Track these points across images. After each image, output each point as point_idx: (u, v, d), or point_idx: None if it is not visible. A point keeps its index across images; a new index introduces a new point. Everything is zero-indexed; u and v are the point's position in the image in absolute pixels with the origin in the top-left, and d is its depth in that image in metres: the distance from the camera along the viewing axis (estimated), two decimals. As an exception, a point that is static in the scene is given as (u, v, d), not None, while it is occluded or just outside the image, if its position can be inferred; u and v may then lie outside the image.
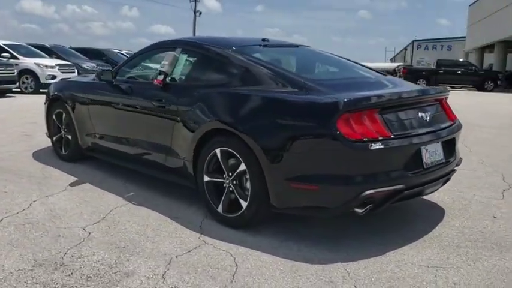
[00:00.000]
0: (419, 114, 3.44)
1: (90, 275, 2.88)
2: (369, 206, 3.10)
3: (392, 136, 3.12)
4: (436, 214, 4.02)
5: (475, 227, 3.72)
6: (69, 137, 5.52)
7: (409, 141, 3.21)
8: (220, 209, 3.66)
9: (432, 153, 3.40)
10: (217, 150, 3.61)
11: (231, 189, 3.60)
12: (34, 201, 4.23)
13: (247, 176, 3.41)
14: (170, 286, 2.76)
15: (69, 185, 4.78)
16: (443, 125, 3.56)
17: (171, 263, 3.05)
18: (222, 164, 3.61)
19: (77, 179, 4.99)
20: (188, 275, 2.88)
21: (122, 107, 4.63)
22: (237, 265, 3.03)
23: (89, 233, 3.53)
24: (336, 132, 3.00)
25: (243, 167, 3.43)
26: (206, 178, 3.76)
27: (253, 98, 3.46)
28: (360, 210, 3.09)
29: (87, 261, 3.07)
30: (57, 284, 2.78)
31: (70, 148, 5.55)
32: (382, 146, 3.03)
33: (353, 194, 3.05)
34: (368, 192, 3.03)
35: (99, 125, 5.02)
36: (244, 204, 3.47)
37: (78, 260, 3.08)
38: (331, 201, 3.12)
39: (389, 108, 3.23)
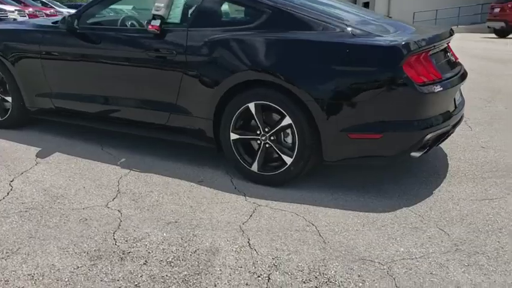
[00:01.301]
0: (446, 56, 3.53)
1: (169, 259, 2.53)
2: (426, 149, 3.16)
3: (443, 78, 3.16)
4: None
5: (479, 158, 4.05)
6: (7, 98, 4.59)
7: (453, 83, 3.29)
8: (255, 167, 3.42)
9: (457, 95, 3.55)
10: (251, 105, 3.31)
11: (267, 145, 3.37)
12: (12, 181, 3.50)
13: (294, 131, 3.21)
14: (269, 257, 2.55)
15: (37, 156, 4.05)
16: (459, 67, 3.71)
17: (244, 232, 2.81)
18: (256, 119, 3.34)
19: (40, 148, 4.24)
20: (275, 242, 2.69)
21: (97, 61, 3.95)
22: (313, 224, 2.90)
23: (119, 211, 3.06)
24: (403, 75, 2.94)
25: (287, 121, 3.21)
26: (234, 136, 3.46)
27: (303, 44, 3.17)
28: (417, 154, 3.13)
29: (149, 244, 2.68)
30: (140, 276, 2.39)
31: (11, 113, 4.64)
32: (441, 88, 3.07)
33: (417, 139, 3.07)
34: (429, 135, 3.08)
35: (61, 83, 4.24)
36: (288, 160, 3.29)
37: (138, 244, 2.67)
38: (394, 147, 3.10)
39: (434, 50, 3.25)
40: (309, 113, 3.14)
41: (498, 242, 2.67)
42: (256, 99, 3.29)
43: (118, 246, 2.65)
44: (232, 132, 3.45)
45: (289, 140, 3.35)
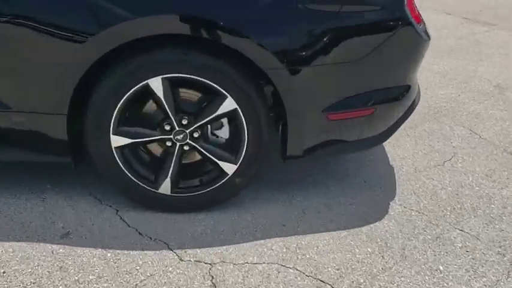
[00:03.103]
0: None
1: None
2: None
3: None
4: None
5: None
6: None
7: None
8: (166, 187, 1.96)
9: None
10: (154, 82, 1.77)
11: (186, 148, 1.92)
12: None
13: (242, 120, 1.85)
14: None
15: None
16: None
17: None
18: (166, 106, 1.82)
19: None
20: None
21: None
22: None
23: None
24: (408, 18, 1.88)
25: (229, 105, 1.82)
26: (120, 140, 1.87)
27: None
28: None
29: None
30: None
31: None
32: (428, 39, 2.10)
33: (412, 106, 2.13)
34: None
35: None
36: (230, 168, 1.93)
37: None
38: (381, 125, 2.08)
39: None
40: (270, 90, 1.82)
41: None
42: (165, 70, 1.75)
43: None
44: (115, 134, 1.84)
45: (224, 134, 1.96)
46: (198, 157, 2.00)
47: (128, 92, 1.77)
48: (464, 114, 3.12)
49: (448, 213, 2.14)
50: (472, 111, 3.18)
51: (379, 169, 2.46)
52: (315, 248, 1.88)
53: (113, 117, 1.81)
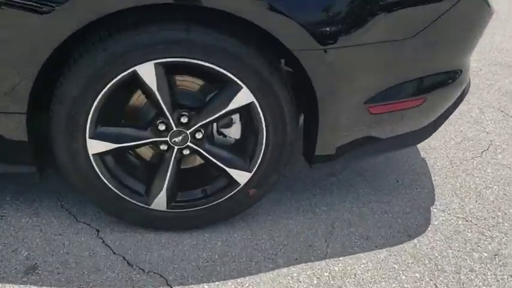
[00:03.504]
0: None
1: None
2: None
3: None
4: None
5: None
6: None
7: None
8: (161, 201, 1.52)
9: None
10: (146, 69, 1.31)
11: (185, 152, 1.48)
12: None
13: (260, 116, 1.41)
14: None
15: None
16: None
17: None
18: (161, 100, 1.37)
19: None
20: None
21: None
22: None
23: None
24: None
25: (244, 98, 1.38)
26: (100, 146, 1.41)
27: None
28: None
29: None
30: None
31: None
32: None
33: (462, 95, 1.73)
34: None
35: None
36: (242, 177, 1.51)
37: None
38: (433, 115, 1.68)
39: None
40: (298, 77, 1.39)
41: None
42: (159, 53, 1.28)
43: None
44: (92, 137, 1.38)
45: (234, 133, 1.53)
46: (200, 161, 1.56)
47: (109, 82, 1.31)
48: (491, 92, 2.75)
49: (501, 220, 1.78)
50: (499, 88, 2.80)
51: (410, 163, 2.08)
52: (353, 276, 1.50)
53: (90, 115, 1.35)
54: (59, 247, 1.51)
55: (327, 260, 1.55)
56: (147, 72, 1.31)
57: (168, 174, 1.48)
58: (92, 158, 1.42)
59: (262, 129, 1.43)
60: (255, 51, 1.33)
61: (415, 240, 1.66)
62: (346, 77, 1.40)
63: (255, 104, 1.39)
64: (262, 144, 1.46)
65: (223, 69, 1.32)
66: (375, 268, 1.53)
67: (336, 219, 1.72)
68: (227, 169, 1.49)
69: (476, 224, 1.75)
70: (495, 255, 1.62)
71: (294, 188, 1.85)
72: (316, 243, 1.61)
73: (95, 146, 1.40)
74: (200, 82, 1.47)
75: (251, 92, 1.36)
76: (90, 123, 1.36)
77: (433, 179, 1.99)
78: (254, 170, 1.50)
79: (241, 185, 1.52)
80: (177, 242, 1.56)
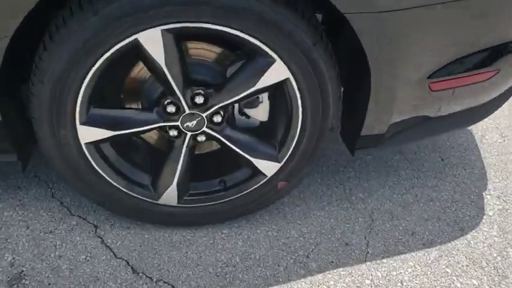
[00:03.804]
0: None
1: None
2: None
3: None
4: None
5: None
6: None
7: None
8: (171, 196, 1.26)
9: None
10: (151, 38, 0.99)
11: (200, 139, 1.19)
12: None
13: (295, 94, 1.11)
14: None
15: None
16: None
17: None
18: (170, 78, 1.06)
19: None
20: None
21: None
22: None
23: None
24: None
25: (276, 75, 1.07)
26: (92, 132, 1.12)
27: None
28: None
29: None
30: None
31: None
32: None
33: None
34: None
35: None
36: (269, 167, 1.23)
37: None
38: (501, 88, 1.38)
39: None
40: (346, 48, 1.08)
41: None
42: (168, 16, 0.96)
43: None
44: (84, 123, 1.09)
45: (260, 115, 1.23)
46: (217, 145, 1.28)
47: (105, 52, 1.00)
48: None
49: None
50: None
51: (455, 138, 1.79)
52: (399, 284, 1.26)
53: (80, 95, 1.05)
54: (50, 249, 1.26)
55: (368, 264, 1.31)
56: (153, 41, 1.00)
57: (180, 165, 1.20)
58: (84, 147, 1.14)
59: (298, 111, 1.14)
60: (292, 14, 1.01)
61: (469, 236, 1.41)
62: (407, 46, 1.08)
63: (290, 81, 1.08)
64: (296, 130, 1.17)
65: (252, 37, 1.01)
66: (424, 273, 1.29)
67: (375, 210, 1.46)
68: (251, 159, 1.21)
69: (537, 215, 1.50)
70: None
71: (325, 170, 1.58)
72: (354, 240, 1.37)
73: (87, 134, 1.11)
74: (216, 49, 1.16)
75: (287, 66, 1.06)
76: (81, 105, 1.07)
77: (482, 156, 1.72)
78: (284, 160, 1.22)
79: (268, 177, 1.25)
80: (190, 242, 1.32)
